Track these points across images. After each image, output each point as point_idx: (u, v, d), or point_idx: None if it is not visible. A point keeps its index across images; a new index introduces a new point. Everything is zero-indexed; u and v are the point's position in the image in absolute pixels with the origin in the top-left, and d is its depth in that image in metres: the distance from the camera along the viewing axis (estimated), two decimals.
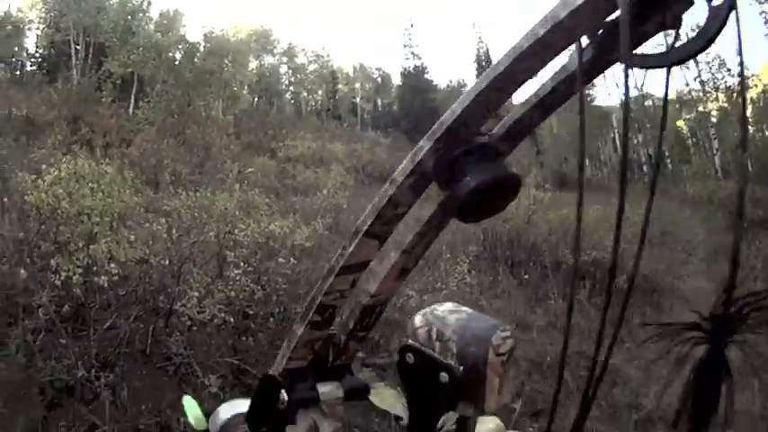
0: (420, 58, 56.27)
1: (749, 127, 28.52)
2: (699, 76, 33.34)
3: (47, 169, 5.03)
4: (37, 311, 4.62)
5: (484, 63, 58.13)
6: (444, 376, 0.94)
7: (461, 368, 0.95)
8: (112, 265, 4.55)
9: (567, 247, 9.74)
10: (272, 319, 5.74)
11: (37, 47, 38.41)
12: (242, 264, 5.57)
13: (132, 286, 5.24)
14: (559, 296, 8.44)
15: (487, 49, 58.64)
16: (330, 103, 58.70)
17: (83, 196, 4.60)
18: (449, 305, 1.06)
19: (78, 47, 34.20)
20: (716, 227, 15.96)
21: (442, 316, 1.01)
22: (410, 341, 0.97)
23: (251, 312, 5.61)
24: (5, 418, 3.56)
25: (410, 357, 0.95)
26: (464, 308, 1.06)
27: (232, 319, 5.37)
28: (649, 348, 7.35)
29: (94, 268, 4.65)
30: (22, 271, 4.96)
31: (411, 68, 55.97)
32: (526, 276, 9.10)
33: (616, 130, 42.61)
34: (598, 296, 8.89)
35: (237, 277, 5.43)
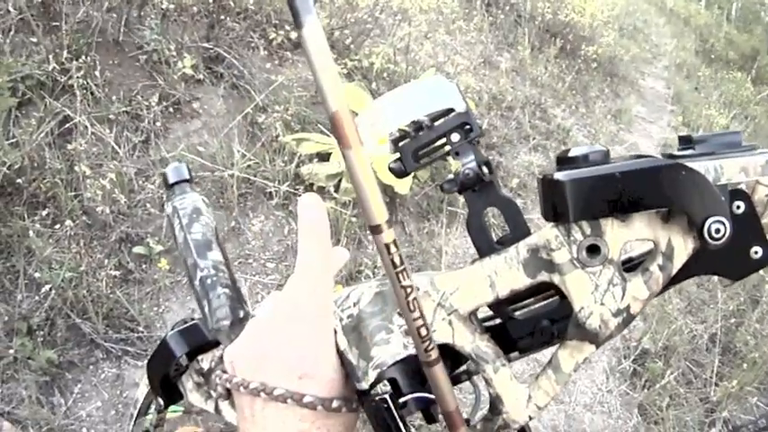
0: None
1: None
2: None
3: None
4: (7, 8, 4.19)
5: None
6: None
7: None
8: None
9: (547, 1, 9.44)
10: (252, 4, 5.46)
11: None
12: None
13: None
14: (529, 45, 8.24)
15: None
16: None
17: None
18: None
19: None
20: (685, 45, 15.82)
21: None
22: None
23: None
24: None
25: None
26: None
27: (211, 2, 5.02)
28: (599, 109, 7.51)
29: None
30: None
31: None
32: (501, 17, 8.78)
33: None
34: (565, 58, 8.82)
35: None
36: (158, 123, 4.35)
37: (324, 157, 4.68)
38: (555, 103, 7.62)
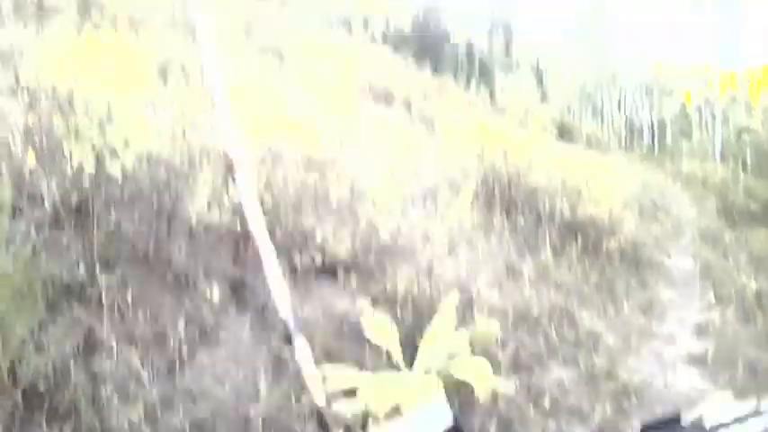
0: None
1: (754, 114, 28.48)
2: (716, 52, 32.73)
3: (62, 45, 4.72)
4: (42, 202, 4.45)
5: None
6: None
7: None
8: (128, 154, 4.33)
9: (565, 197, 9.62)
10: (278, 228, 5.55)
11: None
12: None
13: (140, 184, 5.03)
14: (551, 248, 8.33)
15: None
16: (342, 11, 57.64)
17: (100, 80, 4.35)
18: None
19: None
20: (706, 209, 15.96)
21: None
22: None
23: None
24: (7, 315, 3.50)
25: None
26: None
27: (239, 227, 5.19)
28: (627, 306, 7.42)
29: (109, 160, 4.49)
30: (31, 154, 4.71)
31: None
32: (522, 222, 8.96)
33: (623, 92, 42.21)
34: (588, 256, 8.86)
35: None
36: (184, 347, 4.36)
37: (350, 392, 4.64)
38: (582, 307, 7.59)
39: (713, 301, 9.29)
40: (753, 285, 9.40)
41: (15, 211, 4.27)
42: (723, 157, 25.48)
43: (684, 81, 39.59)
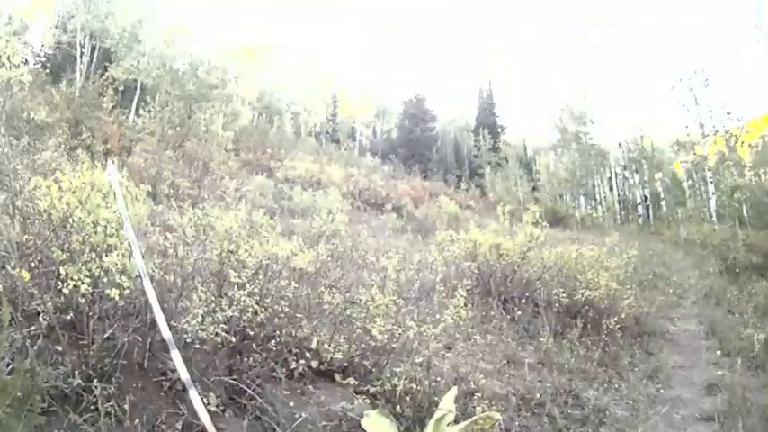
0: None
1: (745, 172, 28.91)
2: (698, 118, 33.41)
3: (58, 173, 4.97)
4: (37, 316, 4.62)
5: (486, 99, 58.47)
6: None
7: None
8: (123, 278, 4.58)
9: (560, 285, 9.84)
10: (273, 341, 5.71)
11: (42, 46, 38.21)
12: (247, 285, 5.58)
13: (133, 297, 5.17)
14: (551, 334, 8.50)
15: (490, 91, 59.03)
16: (329, 125, 58.88)
17: (97, 206, 4.61)
18: None
19: (84, 50, 34.37)
20: (707, 271, 16.07)
21: None
22: None
23: (251, 333, 5.57)
24: (7, 422, 3.59)
25: None
26: None
27: (234, 339, 5.37)
28: (633, 376, 7.44)
29: (104, 279, 4.69)
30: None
31: (412, 97, 56.89)
32: (519, 312, 9.18)
33: (613, 169, 43.12)
34: (589, 336, 8.98)
35: (242, 298, 5.43)
36: None
37: None
38: (586, 386, 7.63)
39: (720, 356, 9.39)
40: (759, 335, 9.38)
41: (11, 324, 4.33)
42: (720, 217, 25.69)
43: (672, 150, 40.45)
